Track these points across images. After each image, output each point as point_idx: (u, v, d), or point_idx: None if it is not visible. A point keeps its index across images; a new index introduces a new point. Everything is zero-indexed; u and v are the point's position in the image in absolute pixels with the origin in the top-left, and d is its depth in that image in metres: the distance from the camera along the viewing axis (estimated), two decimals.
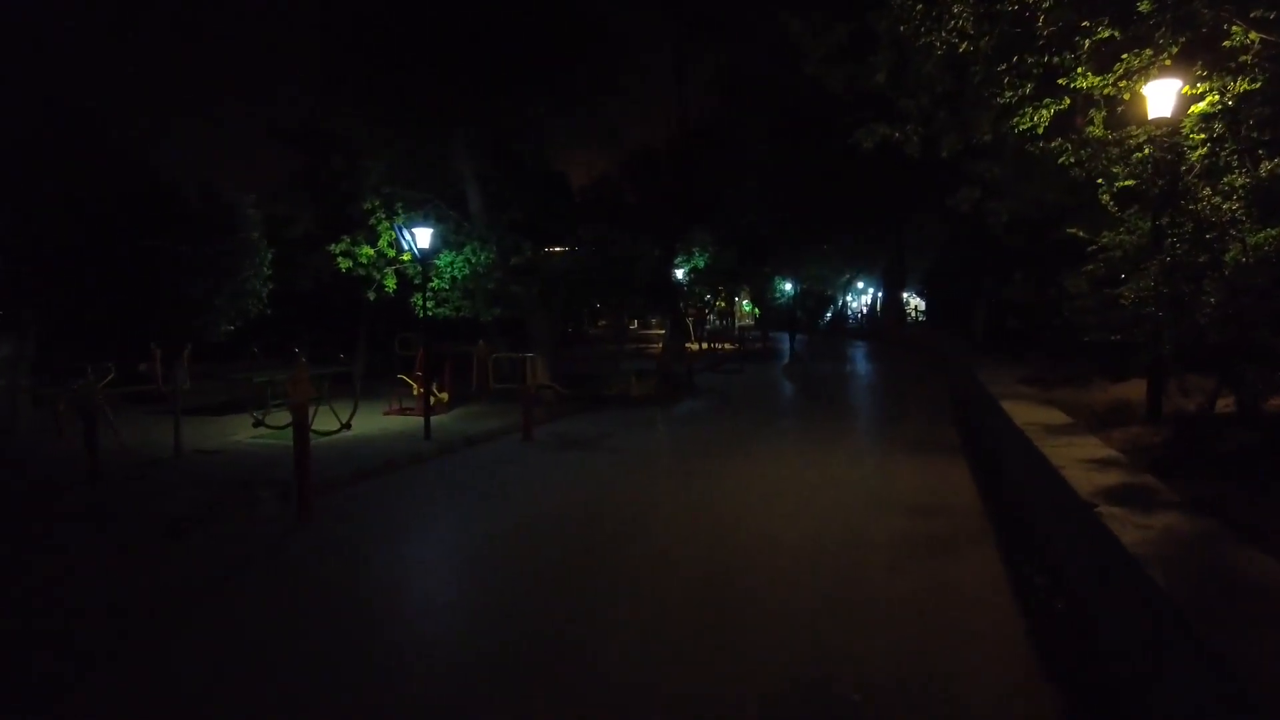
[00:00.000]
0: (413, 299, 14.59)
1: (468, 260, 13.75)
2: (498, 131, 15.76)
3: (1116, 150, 7.27)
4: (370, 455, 11.02)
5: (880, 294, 52.75)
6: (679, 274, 25.56)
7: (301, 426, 7.72)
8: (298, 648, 4.82)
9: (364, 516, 8.10)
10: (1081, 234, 8.47)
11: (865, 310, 63.03)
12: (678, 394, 18.39)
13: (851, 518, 7.39)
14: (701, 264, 25.48)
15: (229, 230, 11.46)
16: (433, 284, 14.07)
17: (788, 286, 55.45)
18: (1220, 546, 3.76)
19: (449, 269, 13.86)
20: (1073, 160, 8.09)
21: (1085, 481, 5.14)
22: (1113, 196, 7.87)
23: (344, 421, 11.60)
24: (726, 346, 35.16)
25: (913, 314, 59.53)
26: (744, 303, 64.58)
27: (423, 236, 12.57)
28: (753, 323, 53.68)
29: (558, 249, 18.25)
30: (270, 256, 12.03)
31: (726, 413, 15.66)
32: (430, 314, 14.80)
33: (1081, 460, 5.76)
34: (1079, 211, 11.16)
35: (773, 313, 59.60)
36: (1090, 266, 8.35)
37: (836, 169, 26.88)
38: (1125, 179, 7.39)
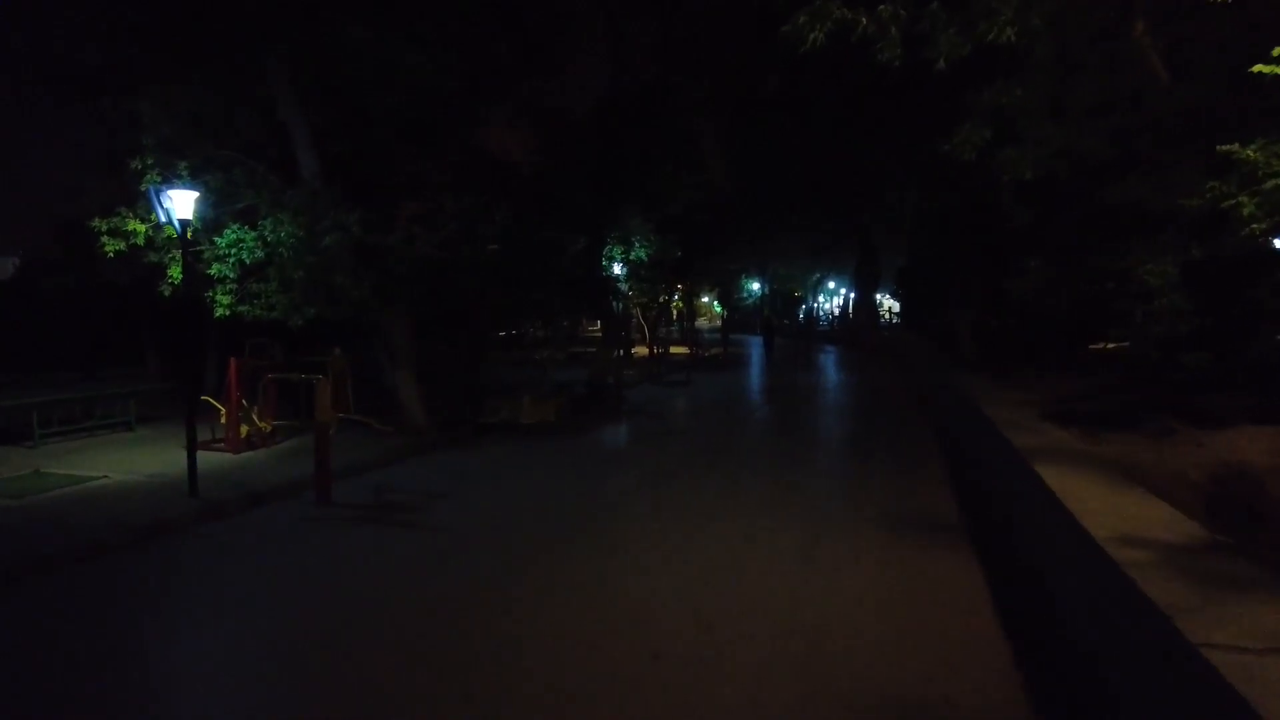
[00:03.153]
0: (208, 293, 10.55)
1: (261, 238, 9.71)
2: (346, 80, 11.78)
3: None
4: (82, 526, 7.30)
5: (852, 295, 49.22)
6: (617, 268, 21.67)
7: None
8: None
9: None
10: (1252, 154, 4.58)
11: (836, 312, 59.67)
12: (593, 417, 14.49)
13: None
14: (644, 256, 21.60)
15: None
16: (212, 270, 10.02)
17: (755, 286, 51.84)
18: None
19: (234, 250, 9.81)
20: None
21: None
22: None
23: None
24: (680, 352, 31.34)
25: (886, 316, 56.22)
26: (714, 304, 60.89)
27: (182, 202, 8.57)
28: (720, 324, 49.74)
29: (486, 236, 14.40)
30: None
31: (643, 450, 11.76)
32: (230, 314, 10.77)
33: None
34: (1133, 169, 7.49)
35: (740, 314, 55.95)
36: (1259, 226, 4.51)
37: (793, 144, 23.10)
38: None
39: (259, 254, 9.80)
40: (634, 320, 32.00)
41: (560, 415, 13.11)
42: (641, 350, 30.05)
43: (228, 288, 10.67)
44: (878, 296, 48.51)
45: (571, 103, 19.38)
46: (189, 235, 9.95)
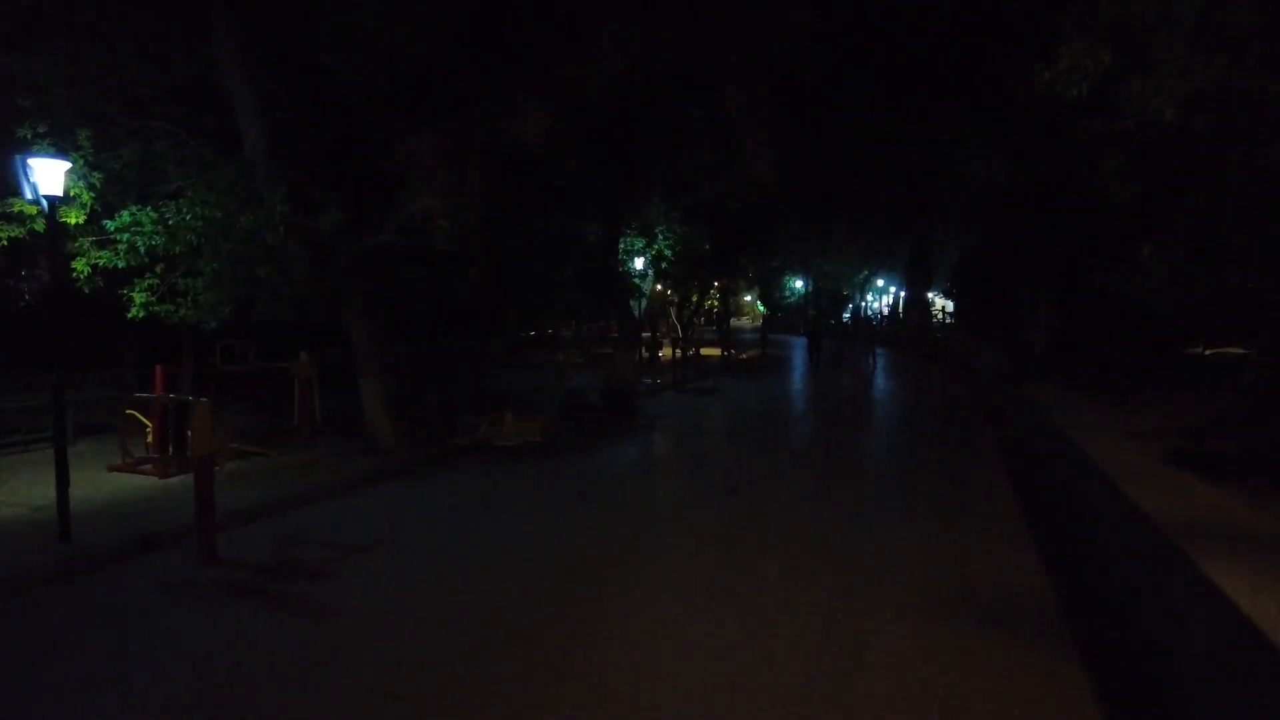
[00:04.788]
0: (121, 291, 8.81)
1: (163, 221, 7.88)
2: (302, 39, 10.03)
3: None
4: None
5: (902, 293, 46.28)
6: (639, 263, 19.61)
7: None
8: None
9: None
10: None
11: (886, 311, 56.60)
12: (594, 434, 12.45)
13: None
14: (667, 251, 19.50)
15: None
16: (101, 258, 8.25)
17: (799, 284, 49.26)
18: None
19: (125, 236, 8.00)
20: None
21: None
22: None
23: None
24: (713, 354, 29.11)
25: (940, 315, 53.09)
26: (757, 303, 58.38)
27: (48, 174, 6.80)
28: (760, 324, 47.10)
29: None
30: None
31: (640, 485, 9.60)
32: (145, 314, 9.01)
33: None
34: None
35: (783, 314, 53.41)
36: None
37: (842, 118, 20.68)
38: None
39: (157, 240, 7.97)
40: (668, 319, 30.03)
41: (550, 433, 11.11)
42: (668, 353, 28.04)
43: (146, 283, 8.92)
44: (929, 295, 45.48)
45: (588, 76, 17.37)
46: (74, 219, 8.24)
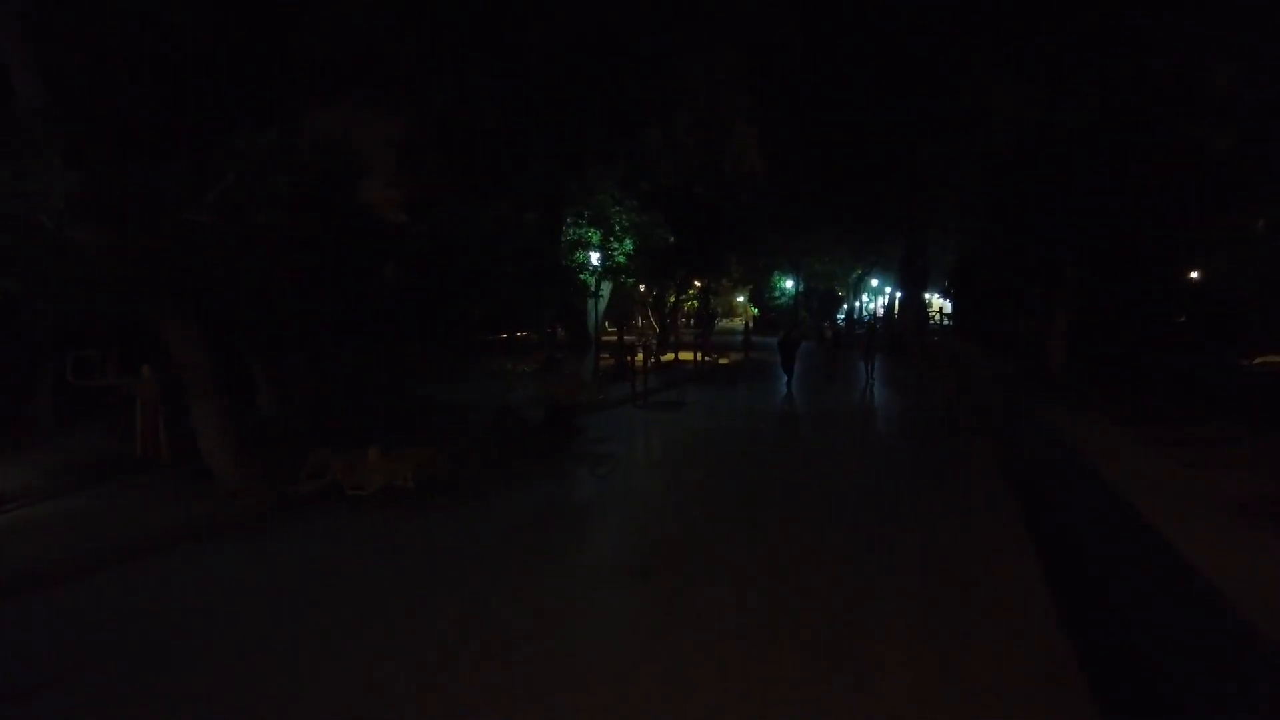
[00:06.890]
0: None
1: None
2: None
3: None
4: None
5: (897, 294, 43.80)
6: (594, 258, 17.15)
7: None
8: None
9: None
10: None
11: (881, 313, 54.16)
12: (506, 467, 9.98)
13: None
14: (626, 244, 17.02)
15: None
16: None
17: (789, 284, 46.83)
18: None
19: None
20: None
21: None
22: None
23: None
24: (694, 359, 26.65)
25: (937, 318, 50.78)
26: (750, 304, 55.94)
27: None
28: (745, 326, 44.42)
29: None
30: None
31: (520, 560, 6.99)
32: None
33: None
34: None
35: (776, 314, 51.02)
36: None
37: (832, 94, 18.24)
38: None
39: None
40: (648, 320, 27.68)
41: (441, 469, 8.61)
42: (636, 360, 25.56)
43: None
44: (925, 296, 42.99)
45: (532, 39, 14.91)
46: None
